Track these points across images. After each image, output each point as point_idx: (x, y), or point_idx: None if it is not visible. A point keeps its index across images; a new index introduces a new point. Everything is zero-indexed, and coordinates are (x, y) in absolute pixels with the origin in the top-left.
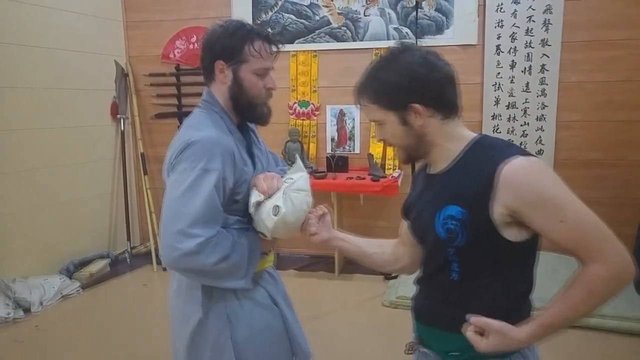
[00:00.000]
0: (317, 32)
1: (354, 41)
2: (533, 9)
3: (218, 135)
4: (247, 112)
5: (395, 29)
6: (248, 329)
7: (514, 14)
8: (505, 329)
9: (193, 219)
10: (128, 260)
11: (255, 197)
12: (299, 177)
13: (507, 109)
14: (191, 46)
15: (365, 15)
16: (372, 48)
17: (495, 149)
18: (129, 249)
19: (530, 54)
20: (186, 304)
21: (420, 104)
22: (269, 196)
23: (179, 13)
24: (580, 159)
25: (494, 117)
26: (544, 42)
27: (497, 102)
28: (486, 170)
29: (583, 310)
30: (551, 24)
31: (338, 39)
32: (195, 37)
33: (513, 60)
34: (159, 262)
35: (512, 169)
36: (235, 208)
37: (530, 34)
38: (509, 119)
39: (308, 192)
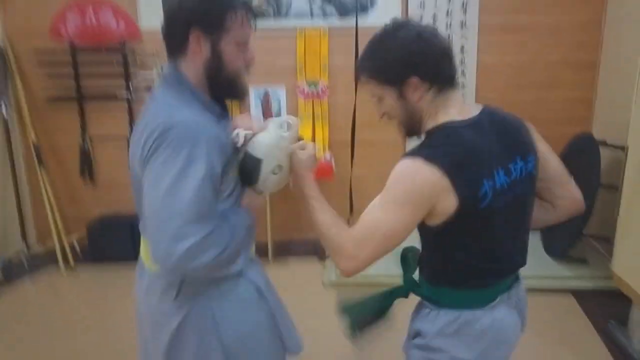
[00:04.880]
0: None
1: (276, 19)
2: None
3: (197, 119)
4: (226, 89)
5: (319, 7)
6: (236, 330)
7: None
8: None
9: (185, 218)
10: (26, 262)
11: (242, 132)
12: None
13: None
14: (88, 21)
15: None
16: (296, 27)
17: (422, 142)
18: (26, 250)
19: (450, 36)
20: (162, 303)
21: (418, 78)
22: (253, 134)
23: None
24: None
25: None
26: (462, 24)
27: None
28: None
29: (315, 227)
30: (469, 6)
31: (260, 16)
32: (91, 9)
33: None
34: (66, 262)
35: (400, 162)
36: (224, 197)
37: (450, 15)
38: None
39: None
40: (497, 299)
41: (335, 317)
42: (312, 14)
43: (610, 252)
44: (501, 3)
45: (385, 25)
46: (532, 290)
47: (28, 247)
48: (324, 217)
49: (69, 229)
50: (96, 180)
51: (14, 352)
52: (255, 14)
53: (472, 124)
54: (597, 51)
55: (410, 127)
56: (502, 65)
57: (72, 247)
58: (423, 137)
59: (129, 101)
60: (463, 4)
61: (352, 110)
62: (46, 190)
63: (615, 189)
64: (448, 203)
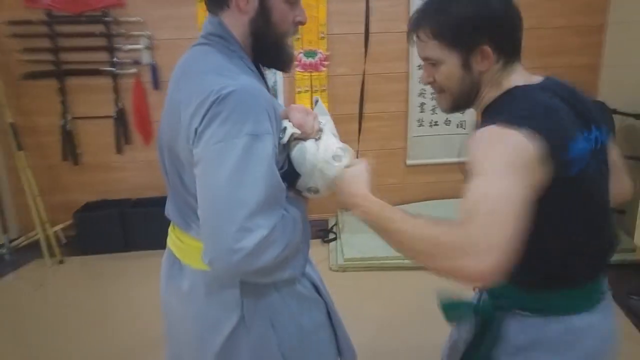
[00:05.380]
0: None
1: None
2: None
3: (255, 84)
4: (271, 54)
5: None
6: (296, 332)
7: None
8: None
9: (253, 208)
10: (7, 257)
11: (290, 129)
12: (327, 121)
13: None
14: None
15: None
16: None
17: (491, 112)
18: (8, 243)
19: None
20: (212, 307)
21: (491, 46)
22: (302, 136)
23: None
24: None
25: (420, 67)
26: None
27: None
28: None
29: (401, 242)
30: None
31: None
32: None
33: None
34: (52, 254)
35: (475, 134)
36: None
37: None
38: None
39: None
40: (602, 298)
41: (345, 302)
42: None
43: (624, 225)
44: None
45: None
46: None
47: (10, 239)
48: (409, 223)
49: (53, 219)
50: (80, 164)
51: (3, 351)
52: None
53: (542, 87)
54: (603, 14)
55: (463, 101)
56: None
57: (58, 238)
58: (475, 110)
59: (113, 76)
60: None
61: (355, 82)
62: (27, 177)
63: (628, 158)
64: (543, 171)
